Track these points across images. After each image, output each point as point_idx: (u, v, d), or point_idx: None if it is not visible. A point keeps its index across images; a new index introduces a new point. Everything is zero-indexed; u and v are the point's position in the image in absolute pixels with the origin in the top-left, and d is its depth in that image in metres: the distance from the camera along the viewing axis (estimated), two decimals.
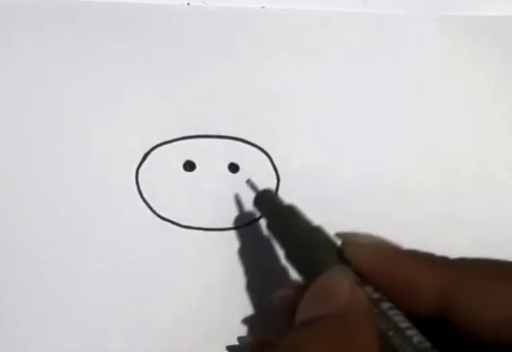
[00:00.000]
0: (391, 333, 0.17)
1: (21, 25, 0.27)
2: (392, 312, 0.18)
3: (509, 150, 0.29)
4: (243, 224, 0.26)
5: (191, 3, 0.28)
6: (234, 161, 0.27)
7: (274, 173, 0.27)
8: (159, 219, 0.26)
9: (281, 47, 0.28)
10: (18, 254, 0.26)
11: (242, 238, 0.26)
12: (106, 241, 0.26)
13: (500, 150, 0.29)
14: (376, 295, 0.18)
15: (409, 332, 0.17)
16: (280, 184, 0.27)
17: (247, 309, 0.26)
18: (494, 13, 0.29)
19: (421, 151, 0.28)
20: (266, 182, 0.27)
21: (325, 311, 0.17)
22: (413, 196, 0.28)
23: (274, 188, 0.27)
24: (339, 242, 0.20)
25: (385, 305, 0.18)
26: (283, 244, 0.22)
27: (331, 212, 0.27)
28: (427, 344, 0.17)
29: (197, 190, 0.27)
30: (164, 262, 0.26)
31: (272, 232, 0.23)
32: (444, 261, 0.19)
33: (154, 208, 0.26)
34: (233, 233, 0.26)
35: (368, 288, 0.18)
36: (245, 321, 0.26)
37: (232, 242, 0.26)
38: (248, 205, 0.26)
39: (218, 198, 0.26)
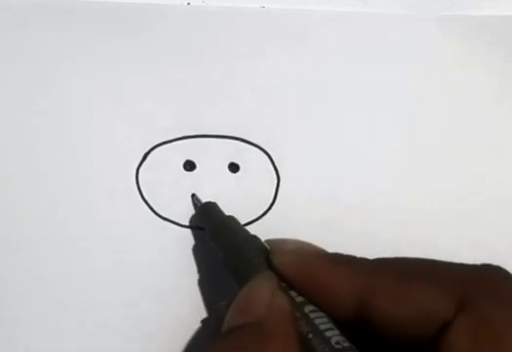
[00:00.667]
0: (310, 336, 0.17)
1: (22, 25, 0.27)
2: (314, 315, 0.18)
3: (510, 149, 0.29)
4: (243, 224, 0.26)
5: (191, 3, 0.28)
6: (235, 161, 0.27)
7: (274, 173, 0.27)
8: (159, 219, 0.26)
9: (281, 47, 0.28)
10: (17, 254, 0.26)
11: None
12: (106, 241, 0.26)
13: (501, 149, 0.29)
14: (300, 299, 0.19)
15: (329, 334, 0.17)
16: (280, 184, 0.27)
17: None
18: (495, 12, 0.29)
19: (422, 149, 0.28)
20: (266, 182, 0.27)
21: (245, 320, 0.18)
22: (413, 195, 0.28)
23: (274, 188, 0.27)
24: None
25: (308, 308, 0.18)
26: (220, 253, 0.23)
27: (331, 212, 0.27)
28: (346, 344, 0.17)
29: (197, 190, 0.27)
30: (164, 262, 0.26)
31: (212, 241, 0.24)
32: (361, 263, 0.19)
33: (154, 208, 0.26)
34: None
35: (293, 293, 0.19)
36: None
37: None
38: (248, 205, 0.26)
39: (218, 198, 0.26)
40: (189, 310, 0.26)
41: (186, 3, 0.28)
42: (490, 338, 0.16)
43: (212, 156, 0.27)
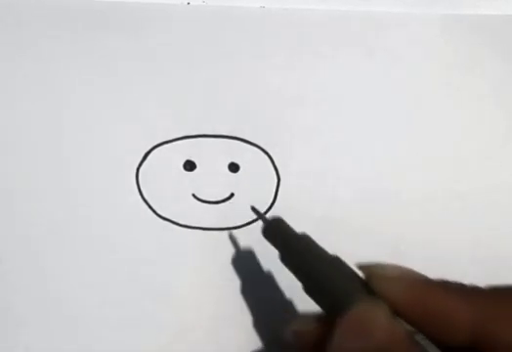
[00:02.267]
0: None
1: (21, 25, 0.27)
2: (424, 342, 0.18)
3: (511, 149, 0.29)
4: (243, 224, 0.27)
5: (191, 2, 0.28)
6: (235, 161, 0.27)
7: (274, 173, 0.27)
8: (159, 219, 0.26)
9: (282, 46, 0.28)
10: (18, 254, 0.26)
11: (242, 238, 0.26)
12: (107, 240, 0.26)
13: (502, 150, 0.29)
14: (409, 327, 0.18)
15: None
16: (280, 184, 0.27)
17: (247, 309, 0.26)
18: (496, 12, 0.29)
19: (422, 150, 0.28)
20: (266, 182, 0.27)
21: (363, 343, 0.17)
22: (414, 196, 0.28)
23: (274, 188, 0.27)
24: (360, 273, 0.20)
25: (418, 337, 0.18)
26: (301, 276, 0.21)
27: (331, 212, 0.27)
28: None
29: (197, 190, 0.27)
30: (164, 262, 0.26)
31: (286, 264, 0.22)
32: (476, 291, 0.19)
33: (154, 208, 0.26)
34: (232, 233, 0.27)
35: (400, 321, 0.18)
36: (243, 320, 0.26)
37: (231, 241, 0.26)
38: (248, 205, 0.26)
39: (218, 198, 0.26)
40: (188, 309, 0.26)
41: (186, 3, 0.28)
42: None
43: (212, 156, 0.27)
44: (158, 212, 0.26)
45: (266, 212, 0.27)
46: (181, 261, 0.26)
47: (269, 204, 0.27)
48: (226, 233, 0.26)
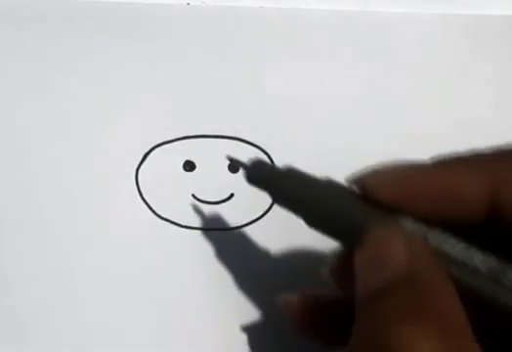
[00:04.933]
0: (456, 273, 0.16)
1: (21, 25, 0.27)
2: (445, 243, 0.16)
3: None
4: (243, 224, 0.26)
5: (190, 3, 0.28)
6: None
7: None
8: (159, 219, 0.26)
9: (281, 47, 0.28)
10: (17, 254, 0.26)
11: (242, 238, 0.26)
12: (107, 241, 0.26)
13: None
14: (420, 227, 0.17)
15: (472, 260, 0.16)
16: None
17: (246, 309, 0.26)
18: (496, 12, 0.29)
19: (422, 151, 0.28)
20: None
21: (388, 274, 0.16)
22: None
23: None
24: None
25: (434, 235, 0.16)
26: (300, 210, 0.19)
27: None
28: (495, 264, 0.15)
29: (197, 190, 0.27)
30: (164, 262, 0.26)
31: (280, 203, 0.20)
32: (482, 159, 0.17)
33: (154, 208, 0.26)
34: (232, 233, 0.26)
35: (409, 220, 0.17)
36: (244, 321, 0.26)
37: (231, 242, 0.26)
38: (248, 205, 0.26)
39: (218, 199, 0.26)
40: (188, 310, 0.26)
41: (185, 3, 0.28)
42: None
43: (212, 156, 0.27)
44: (158, 212, 0.26)
45: (266, 212, 0.27)
46: (180, 261, 0.26)
47: (269, 204, 0.27)
48: (226, 233, 0.26)
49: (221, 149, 0.27)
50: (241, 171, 0.27)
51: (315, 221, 0.19)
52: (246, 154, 0.27)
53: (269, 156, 0.27)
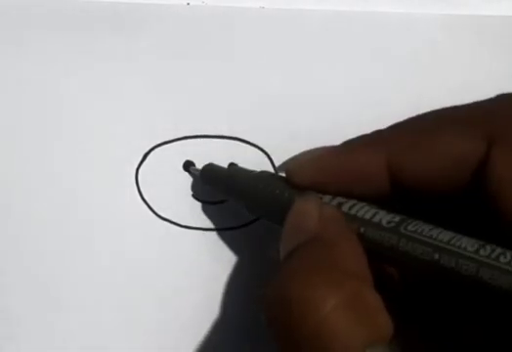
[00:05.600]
0: (362, 230, 0.18)
1: (21, 25, 0.27)
2: (356, 208, 0.18)
3: None
4: (243, 224, 0.26)
5: (190, 3, 0.28)
6: (234, 161, 0.27)
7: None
8: (159, 219, 0.26)
9: (281, 47, 0.28)
10: (17, 254, 0.26)
11: (242, 238, 0.26)
12: (106, 241, 0.26)
13: None
14: (338, 200, 0.19)
15: (377, 219, 0.17)
16: None
17: (246, 309, 0.26)
18: (496, 12, 0.29)
19: None
20: None
21: (302, 239, 0.17)
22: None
23: None
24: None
25: (348, 205, 0.18)
26: (242, 199, 0.22)
27: None
28: (397, 219, 0.17)
29: (197, 190, 0.27)
30: (164, 262, 0.26)
31: (229, 196, 0.24)
32: (376, 138, 0.19)
33: (154, 208, 0.26)
34: (232, 233, 0.27)
35: (327, 196, 0.19)
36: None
37: (231, 242, 0.26)
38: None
39: (217, 199, 0.26)
40: (188, 310, 0.26)
41: (185, 3, 0.28)
42: None
43: (212, 156, 0.27)
44: (158, 212, 0.26)
45: None
46: (180, 261, 0.26)
47: None
48: (225, 233, 0.26)
49: (220, 149, 0.27)
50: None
51: (253, 209, 0.22)
52: (246, 154, 0.27)
53: (268, 156, 0.27)
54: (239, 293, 0.26)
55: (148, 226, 0.26)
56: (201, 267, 0.26)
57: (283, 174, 0.21)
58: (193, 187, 0.27)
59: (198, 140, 0.27)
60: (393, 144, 0.18)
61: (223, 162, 0.27)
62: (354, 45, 0.29)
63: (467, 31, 0.29)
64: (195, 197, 0.27)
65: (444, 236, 0.16)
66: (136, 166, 0.27)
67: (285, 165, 0.21)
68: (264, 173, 0.23)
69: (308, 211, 0.18)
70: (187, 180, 0.27)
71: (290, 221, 0.19)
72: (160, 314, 0.26)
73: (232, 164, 0.26)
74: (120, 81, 0.27)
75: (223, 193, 0.24)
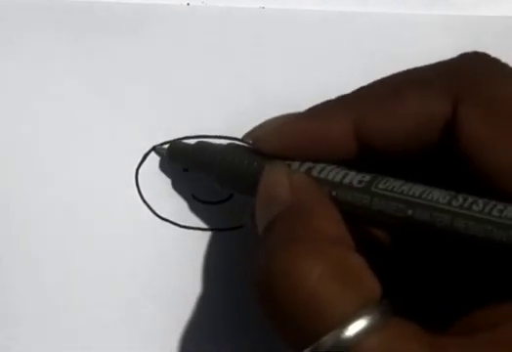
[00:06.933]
0: (334, 193, 0.18)
1: (21, 25, 0.27)
2: (326, 172, 0.18)
3: None
4: (243, 224, 0.26)
5: (190, 3, 0.28)
6: None
7: None
8: (159, 219, 0.26)
9: (281, 47, 0.28)
10: (17, 254, 0.26)
11: (242, 238, 0.26)
12: (106, 241, 0.26)
13: None
14: (306, 166, 0.19)
15: (347, 180, 0.18)
16: None
17: (246, 309, 0.26)
18: (496, 13, 0.29)
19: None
20: None
21: (277, 210, 0.17)
22: None
23: None
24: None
25: (317, 169, 0.18)
26: (211, 173, 0.23)
27: None
28: (367, 178, 0.17)
29: (197, 190, 0.27)
30: (164, 262, 0.26)
31: (195, 171, 0.24)
32: (342, 101, 0.19)
33: (154, 208, 0.26)
34: (232, 233, 0.27)
35: (296, 162, 0.19)
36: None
37: (231, 242, 0.26)
38: (248, 206, 0.26)
39: (217, 199, 0.26)
40: (188, 310, 0.26)
41: (185, 3, 0.28)
42: (501, 112, 0.16)
43: None
44: (158, 212, 0.26)
45: None
46: (180, 262, 0.26)
47: None
48: (225, 233, 0.26)
49: None
50: None
51: (224, 182, 0.22)
52: None
53: None
54: (239, 293, 0.26)
55: (148, 226, 0.26)
56: (201, 267, 0.26)
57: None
58: (193, 186, 0.27)
59: (198, 140, 0.27)
60: (358, 108, 0.18)
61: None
62: (354, 45, 0.29)
63: (467, 31, 0.29)
64: (195, 197, 0.27)
65: (415, 190, 0.16)
66: (136, 166, 0.27)
67: (251, 133, 0.21)
68: (231, 145, 0.23)
69: (278, 181, 0.18)
70: (187, 180, 0.27)
71: (262, 193, 0.19)
72: (160, 314, 0.26)
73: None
74: (120, 81, 0.27)
75: (191, 169, 0.24)
